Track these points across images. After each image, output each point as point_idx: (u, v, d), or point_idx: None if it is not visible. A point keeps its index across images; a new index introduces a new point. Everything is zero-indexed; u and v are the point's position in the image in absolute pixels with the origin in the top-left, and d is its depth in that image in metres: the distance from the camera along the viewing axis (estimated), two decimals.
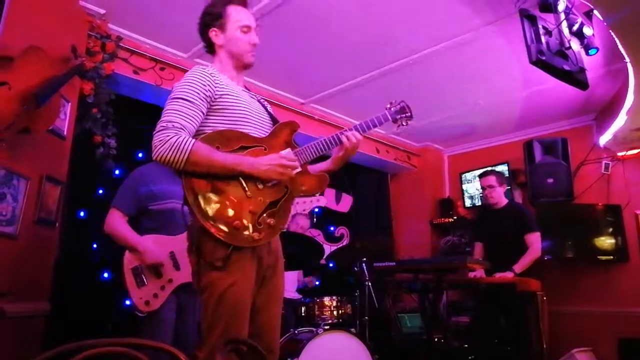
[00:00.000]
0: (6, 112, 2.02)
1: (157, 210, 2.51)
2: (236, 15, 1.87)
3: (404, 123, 2.04)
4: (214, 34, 1.87)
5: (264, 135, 1.84)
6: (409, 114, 2.04)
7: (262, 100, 2.01)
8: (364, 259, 4.02)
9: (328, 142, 1.88)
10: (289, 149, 1.81)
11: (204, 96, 1.72)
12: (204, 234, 1.64)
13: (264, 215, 1.69)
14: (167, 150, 1.58)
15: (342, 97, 4.65)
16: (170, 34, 3.61)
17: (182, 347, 2.45)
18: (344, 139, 1.88)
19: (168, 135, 1.60)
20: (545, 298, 3.70)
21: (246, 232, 1.64)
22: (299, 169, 1.80)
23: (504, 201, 3.88)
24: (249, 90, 1.98)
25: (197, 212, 1.61)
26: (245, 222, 1.65)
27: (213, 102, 1.75)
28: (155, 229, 2.51)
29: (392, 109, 2.03)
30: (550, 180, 4.71)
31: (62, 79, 2.43)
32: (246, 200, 1.67)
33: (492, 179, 3.87)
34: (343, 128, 5.39)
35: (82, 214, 3.60)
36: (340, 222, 5.67)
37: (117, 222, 2.50)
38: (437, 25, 3.40)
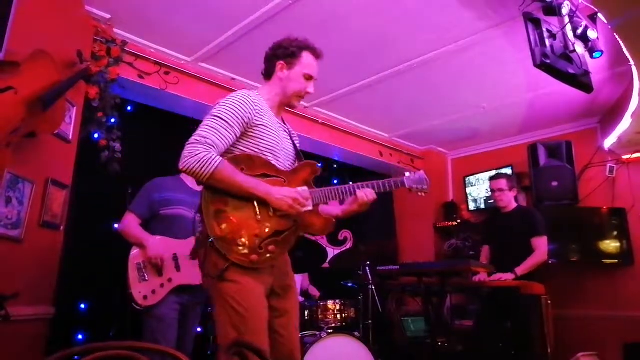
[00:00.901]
0: (12, 117, 2.04)
1: (166, 215, 2.70)
2: (307, 62, 1.98)
3: (418, 194, 2.11)
4: (279, 67, 1.98)
5: (286, 169, 1.94)
6: (426, 187, 2.11)
7: (293, 135, 2.11)
8: (368, 262, 4.01)
9: (343, 191, 1.95)
10: (305, 187, 1.90)
11: (242, 121, 1.82)
12: (209, 245, 1.73)
13: (267, 241, 1.77)
14: (195, 163, 1.69)
15: (346, 100, 4.65)
16: (174, 38, 3.63)
17: (182, 349, 2.51)
18: (359, 193, 1.94)
19: (198, 150, 1.70)
20: (549, 302, 3.68)
21: (246, 253, 1.72)
22: (310, 208, 1.87)
23: (513, 205, 3.87)
24: (285, 123, 2.08)
25: (207, 223, 1.72)
26: (247, 243, 1.73)
27: (248, 128, 1.85)
28: (162, 232, 2.68)
29: (411, 177, 2.09)
30: (554, 184, 4.69)
31: (68, 83, 2.44)
32: (255, 223, 1.76)
33: (502, 183, 3.85)
34: (347, 132, 5.39)
35: None
36: (343, 225, 5.66)
37: (129, 223, 2.71)
38: (441, 28, 3.41)
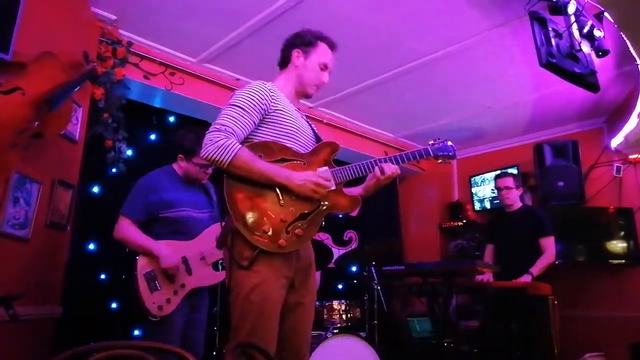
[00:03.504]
0: (19, 117, 2.05)
1: (169, 218, 2.54)
2: (323, 52, 2.03)
3: (445, 161, 2.08)
4: (296, 55, 2.02)
5: (306, 152, 1.93)
6: (452, 153, 2.07)
7: (309, 121, 2.12)
8: (373, 262, 4.01)
9: (365, 167, 1.93)
10: (326, 167, 1.89)
11: (260, 108, 1.83)
12: (235, 233, 1.74)
13: (293, 225, 1.77)
14: (215, 150, 1.70)
15: (351, 100, 4.65)
16: (179, 39, 3.64)
17: (189, 348, 2.48)
18: (381, 168, 1.92)
19: (218, 137, 1.72)
20: (556, 302, 3.66)
21: (273, 238, 1.72)
22: (333, 187, 1.86)
23: (518, 204, 3.86)
24: (300, 111, 2.09)
25: (231, 212, 1.72)
26: (274, 228, 1.73)
27: (266, 115, 1.86)
28: (167, 236, 2.52)
29: (435, 145, 2.06)
30: (560, 184, 4.67)
31: (74, 84, 2.45)
32: (279, 209, 1.76)
33: (509, 181, 3.86)
34: (351, 132, 5.37)
35: None
36: (348, 225, 5.66)
37: (127, 229, 2.50)
38: (446, 28, 3.39)
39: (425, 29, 3.41)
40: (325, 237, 5.30)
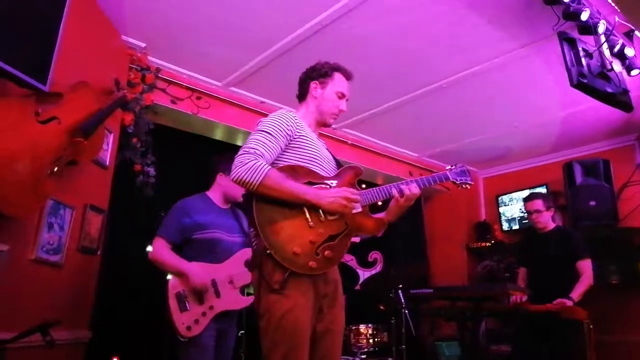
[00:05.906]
0: (56, 146, 2.11)
1: (200, 240, 2.59)
2: (339, 81, 2.12)
3: (464, 186, 2.16)
4: (314, 87, 2.10)
5: (330, 176, 1.99)
6: (469, 178, 2.16)
7: (330, 150, 2.17)
8: (400, 285, 3.94)
9: (388, 190, 1.98)
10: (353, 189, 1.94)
11: (285, 134, 1.90)
12: (265, 256, 1.74)
13: (323, 246, 1.79)
14: (245, 172, 1.73)
15: (375, 121, 4.65)
16: (206, 64, 3.71)
17: None
18: (405, 189, 1.96)
19: (248, 159, 1.76)
20: (591, 327, 3.52)
21: (304, 260, 1.74)
22: (360, 209, 1.91)
23: (551, 225, 3.73)
24: (322, 139, 2.15)
25: (261, 234, 1.73)
26: (304, 250, 1.75)
27: (291, 140, 1.93)
28: (197, 257, 2.56)
29: (453, 170, 2.15)
30: (592, 203, 4.55)
31: (107, 111, 2.51)
32: (307, 230, 1.78)
33: (538, 203, 3.69)
34: (375, 152, 5.33)
35: None
36: (373, 246, 5.60)
37: (162, 250, 2.57)
38: (473, 48, 3.39)
39: (452, 49, 3.41)
40: (349, 259, 5.25)
